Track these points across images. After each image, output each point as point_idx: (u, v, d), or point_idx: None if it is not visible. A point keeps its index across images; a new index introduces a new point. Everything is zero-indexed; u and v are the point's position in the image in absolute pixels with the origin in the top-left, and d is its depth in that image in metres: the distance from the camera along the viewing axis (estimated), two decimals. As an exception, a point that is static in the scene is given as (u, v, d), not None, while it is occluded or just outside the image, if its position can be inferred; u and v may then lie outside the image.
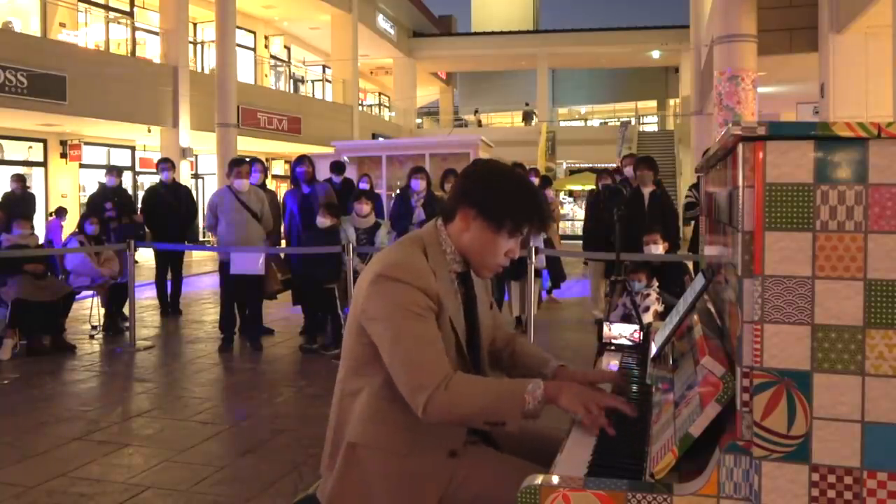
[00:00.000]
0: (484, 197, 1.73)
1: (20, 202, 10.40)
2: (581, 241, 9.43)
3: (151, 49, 17.32)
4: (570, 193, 25.98)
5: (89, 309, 7.31)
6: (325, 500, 1.75)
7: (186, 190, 8.71)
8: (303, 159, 7.10)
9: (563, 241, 12.39)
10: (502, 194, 1.73)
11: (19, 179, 10.87)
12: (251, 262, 6.21)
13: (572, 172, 27.50)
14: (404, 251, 1.74)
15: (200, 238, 15.92)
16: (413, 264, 1.69)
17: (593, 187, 9.46)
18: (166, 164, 8.24)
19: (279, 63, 23.82)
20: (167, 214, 7.95)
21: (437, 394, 1.58)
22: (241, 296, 6.49)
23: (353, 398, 1.74)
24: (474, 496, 1.68)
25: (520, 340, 2.03)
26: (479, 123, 33.48)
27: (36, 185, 15.49)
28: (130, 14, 17.09)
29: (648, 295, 5.23)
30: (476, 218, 1.73)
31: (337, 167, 8.09)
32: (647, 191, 6.53)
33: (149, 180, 15.34)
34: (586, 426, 1.61)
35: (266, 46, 22.68)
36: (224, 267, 6.39)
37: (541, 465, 1.61)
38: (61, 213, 13.15)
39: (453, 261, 1.79)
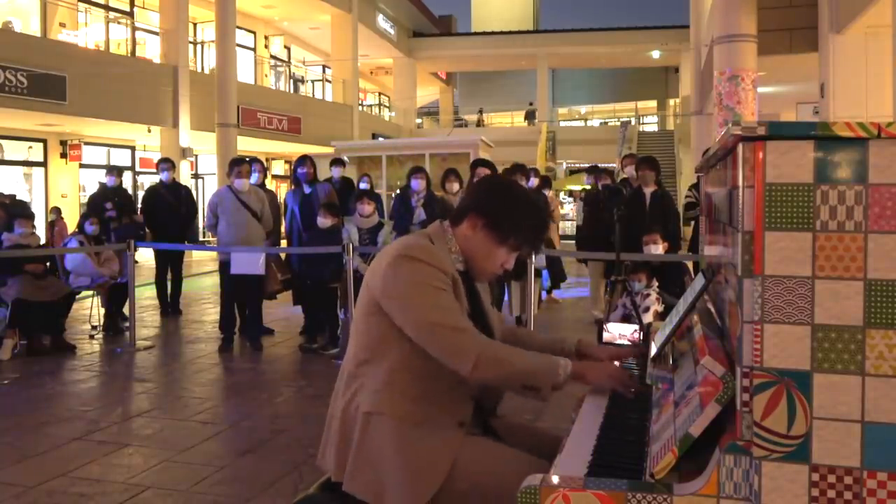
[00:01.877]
0: (496, 211, 1.87)
1: (15, 206, 10.32)
2: (574, 241, 9.44)
3: (151, 49, 17.32)
4: (570, 193, 25.97)
5: (89, 309, 7.31)
6: (346, 472, 1.78)
7: (187, 190, 8.71)
8: (304, 160, 7.11)
9: (562, 241, 12.39)
10: (514, 214, 1.87)
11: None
12: (251, 262, 6.21)
13: (572, 172, 27.50)
14: (417, 238, 1.88)
15: (200, 238, 15.93)
16: (430, 247, 1.82)
17: (586, 187, 9.45)
18: (166, 164, 8.24)
19: (279, 63, 23.82)
20: (167, 214, 7.95)
21: (485, 352, 1.71)
22: (241, 296, 6.49)
23: (368, 374, 1.80)
24: (475, 484, 1.71)
25: (521, 331, 2.18)
26: (479, 123, 33.41)
27: (36, 185, 15.50)
28: (130, 14, 17.09)
29: (648, 295, 5.23)
30: (484, 228, 1.86)
31: (336, 160, 8.13)
32: (648, 191, 6.51)
33: (149, 180, 15.34)
34: (619, 391, 1.85)
35: (266, 46, 22.67)
36: (224, 267, 6.38)
37: (544, 458, 1.63)
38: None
39: (457, 260, 1.89)
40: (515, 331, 2.17)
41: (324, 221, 6.21)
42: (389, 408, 1.76)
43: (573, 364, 1.79)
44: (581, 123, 38.12)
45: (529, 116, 32.47)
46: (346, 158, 9.38)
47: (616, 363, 2.02)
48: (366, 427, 1.77)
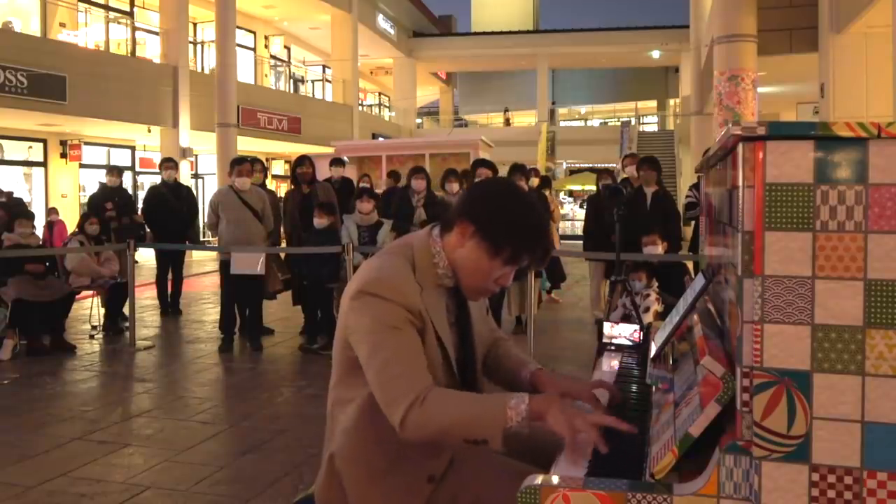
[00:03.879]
0: (487, 216, 1.63)
1: (14, 206, 10.32)
2: (581, 241, 9.43)
3: (151, 49, 17.33)
4: (570, 193, 25.99)
5: (89, 309, 7.31)
6: None
7: (188, 190, 8.72)
8: (303, 160, 7.11)
9: (562, 241, 12.38)
10: (508, 219, 1.63)
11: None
12: (252, 262, 6.21)
13: (572, 172, 27.53)
14: (387, 264, 1.65)
15: (201, 238, 15.93)
16: (393, 280, 1.61)
17: (593, 187, 9.45)
18: (169, 163, 8.26)
19: (279, 63, 23.83)
20: (169, 214, 7.96)
21: (414, 407, 1.51)
22: (241, 296, 6.49)
23: (343, 409, 1.71)
24: (474, 497, 1.67)
25: (503, 345, 1.95)
26: (507, 122, 33.35)
27: (36, 185, 15.50)
28: (130, 14, 17.09)
29: (648, 295, 5.23)
30: (474, 236, 1.63)
31: (336, 160, 8.15)
32: (649, 191, 6.51)
33: (149, 180, 15.34)
34: (578, 443, 1.50)
35: (266, 46, 22.69)
36: (224, 267, 6.39)
37: (540, 465, 1.60)
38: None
39: (445, 276, 1.69)
40: (493, 347, 1.93)
41: (320, 222, 6.20)
42: (353, 453, 1.67)
43: (532, 400, 1.51)
44: (581, 123, 38.15)
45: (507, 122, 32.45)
46: (346, 158, 9.38)
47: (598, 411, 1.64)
48: (331, 468, 1.69)
